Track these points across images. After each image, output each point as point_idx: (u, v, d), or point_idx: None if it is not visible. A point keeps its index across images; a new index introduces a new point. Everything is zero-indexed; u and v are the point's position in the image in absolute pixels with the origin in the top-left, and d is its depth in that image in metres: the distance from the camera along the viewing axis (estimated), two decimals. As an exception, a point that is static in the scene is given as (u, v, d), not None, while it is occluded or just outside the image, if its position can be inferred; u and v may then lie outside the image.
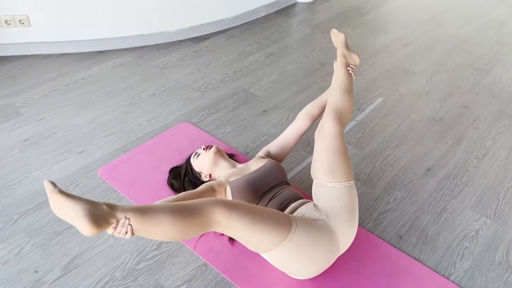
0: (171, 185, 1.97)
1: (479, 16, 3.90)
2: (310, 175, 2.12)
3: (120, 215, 1.24)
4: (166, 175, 2.03)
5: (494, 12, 4.01)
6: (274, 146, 1.96)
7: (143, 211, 1.27)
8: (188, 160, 1.96)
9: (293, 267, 1.53)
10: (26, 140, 2.23)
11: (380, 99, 2.72)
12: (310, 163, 2.19)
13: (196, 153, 1.94)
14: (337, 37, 1.98)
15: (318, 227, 1.51)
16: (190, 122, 2.42)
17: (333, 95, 1.77)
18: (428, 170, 2.20)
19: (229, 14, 3.40)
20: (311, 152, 2.27)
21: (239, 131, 2.39)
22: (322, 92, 2.73)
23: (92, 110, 2.46)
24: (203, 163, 1.89)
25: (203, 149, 1.91)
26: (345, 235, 1.58)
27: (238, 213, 1.36)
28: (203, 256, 1.71)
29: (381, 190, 2.07)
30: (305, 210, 1.62)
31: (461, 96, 2.80)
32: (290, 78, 2.89)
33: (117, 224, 1.23)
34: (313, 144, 2.31)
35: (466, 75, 3.02)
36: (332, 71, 2.96)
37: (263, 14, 3.67)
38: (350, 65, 1.87)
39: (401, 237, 1.84)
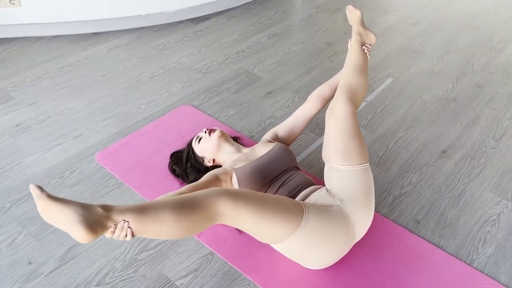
0: (172, 171, 1.85)
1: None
2: (319, 158, 2.02)
3: (118, 218, 1.12)
4: (167, 159, 1.92)
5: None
6: (282, 128, 1.84)
7: (142, 210, 1.15)
8: (189, 145, 1.84)
9: (307, 257, 1.42)
10: (17, 125, 2.10)
11: (390, 80, 2.59)
12: (320, 146, 2.09)
13: (198, 136, 1.81)
14: (352, 14, 1.84)
15: (332, 213, 1.40)
16: (192, 105, 2.30)
17: (346, 75, 1.65)
18: (444, 152, 2.09)
19: (230, -6, 3.26)
20: (320, 134, 2.15)
21: (243, 114, 2.27)
22: (329, 73, 2.62)
23: (88, 93, 2.34)
24: (206, 148, 1.77)
25: (206, 132, 1.78)
26: (361, 221, 1.47)
27: (245, 203, 1.25)
28: (209, 244, 1.60)
29: (395, 173, 1.96)
30: (317, 196, 1.51)
31: (474, 75, 2.67)
32: (295, 59, 2.76)
33: (116, 228, 1.12)
34: (323, 126, 2.20)
35: (478, 54, 2.89)
36: (339, 52, 2.84)
37: (264, -6, 3.52)
38: (366, 44, 1.75)
39: (418, 222, 1.74)
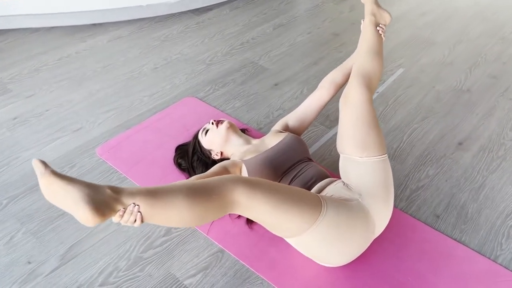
0: (178, 165, 1.76)
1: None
2: (331, 151, 1.93)
3: (128, 200, 1.03)
4: (172, 153, 1.83)
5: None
6: (292, 118, 1.75)
7: (154, 193, 1.06)
8: (196, 137, 1.75)
9: (324, 254, 1.34)
10: (15, 118, 2.01)
11: (400, 70, 2.50)
12: (331, 138, 2.00)
13: (205, 128, 1.72)
14: None
15: (351, 208, 1.31)
16: (196, 97, 2.20)
17: (360, 58, 1.56)
18: (460, 144, 2.00)
19: (233, -16, 3.16)
20: (330, 126, 2.07)
21: (250, 106, 2.17)
22: (337, 64, 2.53)
23: (88, 85, 2.24)
24: (213, 140, 1.67)
25: (213, 123, 1.69)
26: (381, 215, 1.39)
27: (262, 191, 1.16)
28: (218, 241, 1.51)
29: (411, 166, 1.87)
30: (334, 189, 1.42)
31: (487, 65, 2.58)
32: (301, 50, 2.66)
33: (124, 212, 1.03)
34: (333, 118, 2.11)
35: (490, 44, 2.80)
36: (346, 42, 2.75)
37: (268, -16, 3.42)
38: (380, 25, 1.65)
39: (438, 217, 1.65)
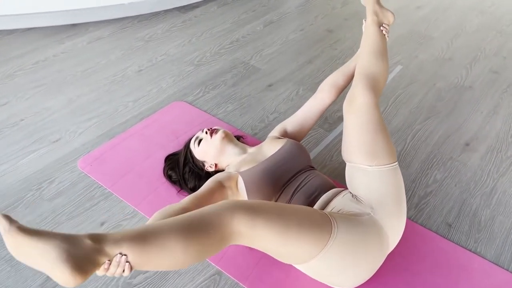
0: (168, 177, 1.62)
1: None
2: (332, 156, 1.80)
3: (113, 250, 0.89)
4: (161, 163, 1.68)
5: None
6: (292, 123, 1.62)
7: (142, 238, 0.92)
8: (187, 147, 1.60)
9: (337, 278, 1.21)
10: (-13, 130, 1.84)
11: (399, 67, 2.39)
12: (331, 142, 1.88)
13: (197, 137, 1.58)
14: None
15: (363, 224, 1.19)
16: (185, 101, 2.06)
17: (364, 60, 1.43)
18: (467, 144, 1.89)
19: (220, -20, 3.01)
20: (329, 129, 1.94)
21: (243, 109, 2.03)
22: (333, 62, 2.41)
23: (68, 91, 2.07)
24: (206, 151, 1.53)
25: (206, 133, 1.55)
26: (395, 229, 1.27)
27: (265, 218, 1.03)
28: (215, 263, 1.37)
29: (418, 170, 1.76)
30: (342, 202, 1.29)
31: (488, 60, 2.49)
32: (294, 48, 2.53)
33: (110, 264, 0.89)
34: (332, 121, 1.99)
35: (489, 38, 2.71)
36: (341, 39, 2.63)
37: (256, -21, 3.27)
38: (384, 24, 1.53)
39: (450, 225, 1.54)
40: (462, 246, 1.47)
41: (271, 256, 1.36)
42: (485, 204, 1.62)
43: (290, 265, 1.35)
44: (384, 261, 1.36)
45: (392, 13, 1.57)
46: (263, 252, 1.38)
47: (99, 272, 0.89)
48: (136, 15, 2.72)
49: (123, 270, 0.90)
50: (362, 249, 1.16)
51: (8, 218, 0.85)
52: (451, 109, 2.10)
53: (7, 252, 1.38)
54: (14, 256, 0.86)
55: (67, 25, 2.56)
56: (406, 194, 1.63)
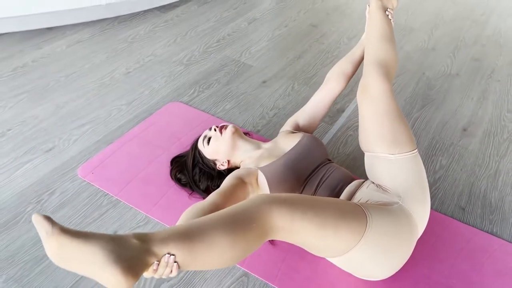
0: (177, 180, 1.55)
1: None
2: (338, 149, 1.79)
3: (161, 250, 0.84)
4: (166, 167, 1.61)
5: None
6: (303, 116, 1.59)
7: (190, 237, 0.88)
8: (195, 147, 1.54)
9: (369, 269, 1.19)
10: (-30, 142, 1.69)
11: (387, 59, 2.41)
12: (334, 135, 1.87)
13: (206, 136, 1.51)
14: None
15: (394, 213, 1.18)
16: (181, 101, 1.98)
17: (373, 46, 1.42)
18: (465, 130, 1.94)
19: (197, -22, 2.94)
20: (331, 122, 1.93)
21: (241, 107, 1.99)
22: (323, 56, 2.40)
23: (53, 97, 1.95)
24: (218, 149, 1.47)
25: (215, 130, 1.49)
26: (422, 216, 1.27)
27: (302, 211, 1.01)
28: (240, 264, 1.32)
29: (423, 157, 1.77)
30: (367, 193, 1.28)
31: (468, 48, 2.56)
32: (282, 44, 2.51)
33: (158, 265, 0.83)
34: (331, 114, 1.98)
35: (465, 27, 2.80)
36: (327, 33, 2.63)
37: (232, -23, 3.23)
38: (388, 9, 1.53)
39: (463, 209, 1.56)
40: (479, 229, 1.49)
41: (295, 252, 1.34)
42: (492, 186, 1.66)
43: (317, 259, 1.32)
44: (409, 248, 1.36)
45: None
46: (287, 249, 1.35)
47: (147, 273, 0.83)
48: (115, 16, 2.61)
49: (171, 271, 0.85)
50: (396, 238, 1.15)
51: (50, 220, 0.77)
52: (443, 96, 2.15)
53: (14, 271, 1.27)
54: (55, 262, 0.78)
55: (43, 28, 2.42)
56: (417, 181, 1.65)
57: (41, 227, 0.77)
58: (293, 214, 0.99)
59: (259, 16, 2.78)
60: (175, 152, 1.68)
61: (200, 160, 1.51)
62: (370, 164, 1.34)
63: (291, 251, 1.35)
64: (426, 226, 1.44)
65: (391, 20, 1.51)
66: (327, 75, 1.59)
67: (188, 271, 1.30)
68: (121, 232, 1.39)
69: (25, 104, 1.90)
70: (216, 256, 0.89)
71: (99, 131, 1.78)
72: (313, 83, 2.16)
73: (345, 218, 1.07)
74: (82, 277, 1.26)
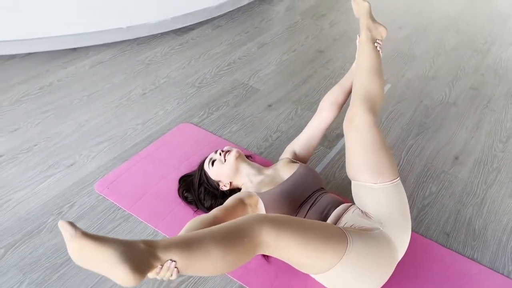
0: (184, 198, 1.70)
1: (463, -3, 3.83)
2: (335, 173, 1.93)
3: (164, 255, 1.00)
4: (175, 184, 1.77)
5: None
6: (299, 144, 1.73)
7: (189, 245, 1.03)
8: (201, 168, 1.69)
9: (352, 286, 1.32)
10: (1, 156, 1.87)
11: (388, 86, 2.55)
12: (332, 159, 2.00)
13: (211, 159, 1.67)
14: (359, 6, 1.72)
15: (375, 238, 1.31)
16: (191, 123, 2.15)
17: (361, 78, 1.54)
18: (456, 158, 2.05)
19: (213, 3, 3.12)
20: (330, 146, 2.07)
21: (247, 129, 2.14)
22: (327, 81, 2.55)
23: (76, 115, 2.13)
24: (221, 171, 1.62)
25: (220, 154, 1.64)
26: (402, 241, 1.39)
27: (288, 231, 1.14)
28: (237, 278, 1.46)
29: (414, 184, 1.90)
30: (352, 218, 1.41)
31: (467, 78, 2.68)
32: (289, 68, 2.66)
33: (161, 268, 0.99)
34: (331, 138, 2.11)
35: (466, 56, 2.91)
36: (332, 59, 2.78)
37: (246, 1, 3.41)
38: (377, 40, 1.65)
39: (448, 235, 1.68)
40: (460, 254, 1.60)
41: (288, 269, 1.47)
42: (477, 214, 1.77)
43: (307, 276, 1.45)
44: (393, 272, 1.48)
45: (385, 27, 1.67)
46: (280, 266, 1.48)
47: (151, 274, 0.99)
48: (135, 38, 2.80)
49: (171, 274, 1.00)
50: (375, 260, 1.28)
51: (72, 225, 0.93)
52: (439, 124, 2.27)
53: (37, 276, 1.43)
54: (75, 261, 0.94)
55: (68, 49, 2.62)
56: (406, 206, 1.77)
57: (66, 231, 0.93)
58: (280, 233, 1.13)
59: (269, 41, 2.94)
60: (184, 170, 1.83)
61: (205, 180, 1.66)
62: (355, 191, 1.46)
63: (283, 268, 1.49)
64: (410, 249, 1.57)
65: (380, 51, 1.62)
66: (321, 104, 1.72)
67: (189, 280, 1.44)
68: (131, 244, 1.55)
69: (51, 121, 2.09)
70: (209, 264, 1.04)
71: (116, 149, 1.95)
72: (315, 109, 2.26)
73: (327, 239, 1.20)
74: (93, 283, 1.42)
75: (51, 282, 1.42)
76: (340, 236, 1.24)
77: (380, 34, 1.66)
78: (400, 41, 3.05)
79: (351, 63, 2.72)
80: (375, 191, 1.39)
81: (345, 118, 1.48)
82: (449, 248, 1.62)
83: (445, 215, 1.76)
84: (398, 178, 1.42)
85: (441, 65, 2.79)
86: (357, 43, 1.67)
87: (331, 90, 1.74)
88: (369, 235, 1.31)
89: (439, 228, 1.70)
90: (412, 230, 1.68)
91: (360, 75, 1.55)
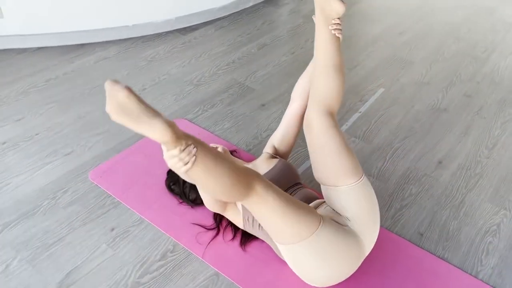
0: (170, 190, 1.80)
1: (466, 3, 3.85)
2: (319, 171, 2.00)
3: (189, 141, 1.08)
4: (164, 176, 1.86)
5: None
6: (277, 137, 1.78)
7: (209, 149, 1.13)
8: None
9: (313, 269, 1.37)
10: (4, 143, 2.01)
11: (381, 90, 2.61)
12: (318, 158, 2.07)
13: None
14: None
15: (344, 231, 1.38)
16: (186, 118, 2.25)
17: (316, 76, 1.44)
18: (440, 162, 2.10)
19: (216, 4, 3.22)
20: (317, 147, 2.14)
21: (238, 127, 2.23)
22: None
23: (77, 107, 2.25)
24: None
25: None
26: (370, 237, 1.46)
27: (275, 191, 1.25)
28: (213, 264, 1.55)
29: (395, 185, 1.96)
30: (323, 213, 1.48)
31: (462, 85, 2.72)
32: (286, 70, 2.74)
33: (184, 149, 1.06)
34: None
35: (464, 64, 2.94)
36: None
37: (251, 4, 3.50)
38: (333, 21, 1.37)
39: (421, 235, 1.74)
40: (431, 253, 1.66)
41: (262, 259, 1.55)
42: (453, 216, 1.83)
43: (281, 268, 1.53)
44: (362, 265, 1.55)
45: (342, 2, 1.34)
46: (256, 256, 1.57)
47: (175, 151, 1.05)
48: (140, 36, 2.92)
49: (187, 162, 1.07)
50: (340, 250, 1.35)
51: (122, 84, 1.03)
52: (427, 129, 2.32)
53: (28, 254, 1.54)
54: (111, 111, 1.02)
55: (76, 45, 2.75)
56: (383, 206, 1.84)
57: (112, 88, 1.02)
58: (268, 190, 1.23)
59: (269, 42, 3.03)
60: (174, 163, 1.93)
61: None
62: (324, 192, 1.50)
63: (259, 258, 1.57)
64: (381, 246, 1.64)
65: (337, 34, 1.39)
66: (292, 95, 1.74)
67: (168, 264, 1.53)
68: (118, 229, 1.66)
69: (53, 112, 2.21)
70: (215, 173, 1.12)
71: (112, 141, 2.06)
72: (307, 109, 2.38)
73: (305, 212, 1.29)
74: (79, 262, 1.52)
75: (41, 260, 1.53)
76: (315, 216, 1.33)
77: (336, 10, 1.34)
78: (399, 46, 3.09)
79: (347, 68, 2.79)
80: (339, 193, 1.42)
81: (304, 120, 1.48)
82: (421, 247, 1.68)
83: (422, 216, 1.82)
84: (362, 177, 1.42)
85: (437, 71, 2.83)
86: (314, 20, 1.44)
87: (299, 80, 1.73)
88: (339, 226, 1.38)
89: (413, 228, 1.76)
90: (388, 229, 1.74)
91: (316, 72, 1.44)
